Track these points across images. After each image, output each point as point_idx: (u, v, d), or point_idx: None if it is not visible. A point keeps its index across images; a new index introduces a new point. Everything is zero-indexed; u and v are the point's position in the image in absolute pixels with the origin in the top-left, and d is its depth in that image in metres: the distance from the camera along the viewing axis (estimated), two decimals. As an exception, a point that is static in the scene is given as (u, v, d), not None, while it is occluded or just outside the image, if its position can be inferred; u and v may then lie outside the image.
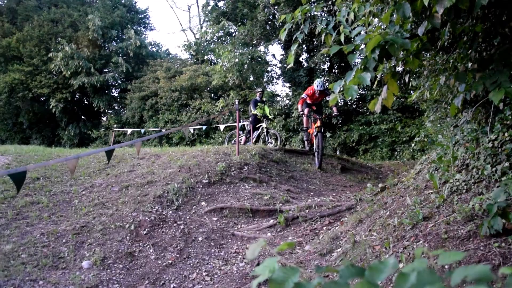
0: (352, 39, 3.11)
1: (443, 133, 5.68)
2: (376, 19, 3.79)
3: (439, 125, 6.33)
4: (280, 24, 18.82)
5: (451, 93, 4.95)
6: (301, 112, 10.24)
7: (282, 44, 20.62)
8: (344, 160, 12.41)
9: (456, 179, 3.60)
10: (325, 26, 3.81)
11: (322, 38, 3.82)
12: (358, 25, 3.80)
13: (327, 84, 12.40)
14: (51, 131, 26.24)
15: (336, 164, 11.47)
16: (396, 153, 16.23)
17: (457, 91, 4.50)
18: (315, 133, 9.68)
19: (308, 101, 10.37)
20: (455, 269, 0.82)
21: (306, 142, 11.11)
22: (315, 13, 3.92)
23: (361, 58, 2.99)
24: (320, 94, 10.12)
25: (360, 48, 2.86)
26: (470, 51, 3.19)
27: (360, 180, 10.14)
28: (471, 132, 4.14)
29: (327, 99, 10.24)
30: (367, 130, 16.92)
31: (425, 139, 6.75)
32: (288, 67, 3.95)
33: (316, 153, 9.93)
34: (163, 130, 18.42)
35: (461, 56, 3.11)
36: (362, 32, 3.01)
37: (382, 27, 3.22)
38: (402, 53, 3.03)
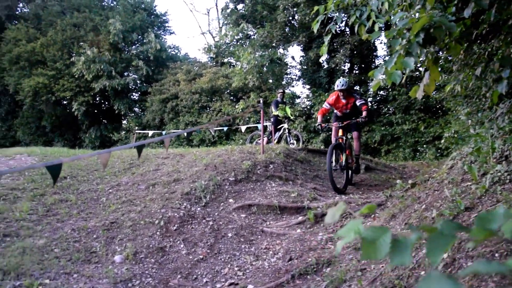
0: (394, 25, 3.06)
1: (475, 127, 5.57)
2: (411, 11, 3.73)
3: (469, 120, 6.22)
4: (306, 21, 18.78)
5: (486, 86, 4.85)
6: (318, 125, 7.88)
7: (302, 46, 20.57)
8: (368, 160, 12.32)
9: (497, 170, 3.51)
10: (358, 17, 3.77)
11: (356, 29, 3.78)
12: (391, 14, 3.75)
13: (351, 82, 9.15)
14: (73, 134, 26.64)
15: (359, 163, 11.37)
16: (418, 153, 16.04)
17: (492, 83, 4.42)
18: (343, 142, 7.73)
19: (338, 113, 8.08)
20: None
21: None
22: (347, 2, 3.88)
23: (388, 47, 2.94)
24: (347, 97, 7.78)
25: (402, 33, 2.81)
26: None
27: (385, 179, 10.01)
28: (509, 123, 4.04)
29: (357, 103, 7.73)
30: (389, 130, 16.76)
31: (455, 135, 6.61)
32: (321, 58, 3.92)
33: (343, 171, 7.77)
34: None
35: (506, 40, 3.03)
36: (404, 17, 2.95)
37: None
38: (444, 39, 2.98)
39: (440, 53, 3.33)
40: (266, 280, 4.15)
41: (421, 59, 3.07)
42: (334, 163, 7.29)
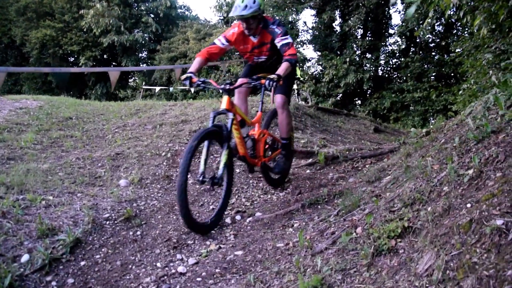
0: None
1: (498, 76, 5.35)
2: None
3: (490, 71, 5.97)
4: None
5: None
6: (186, 79, 3.85)
7: (316, 9, 20.09)
8: (377, 123, 12.21)
9: (526, 99, 3.32)
10: None
11: None
12: None
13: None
14: (79, 91, 26.46)
15: (369, 125, 11.25)
16: (428, 122, 15.83)
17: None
18: (228, 124, 3.98)
19: (250, 63, 4.45)
20: None
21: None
22: None
23: None
24: (260, 33, 4.04)
25: None
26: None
27: (394, 140, 9.86)
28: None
29: (277, 44, 3.92)
30: (399, 98, 16.50)
31: (474, 86, 6.38)
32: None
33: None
34: (192, 90, 18.30)
35: None
36: None
37: None
38: None
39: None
40: (275, 209, 4.04)
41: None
42: (202, 169, 3.72)
